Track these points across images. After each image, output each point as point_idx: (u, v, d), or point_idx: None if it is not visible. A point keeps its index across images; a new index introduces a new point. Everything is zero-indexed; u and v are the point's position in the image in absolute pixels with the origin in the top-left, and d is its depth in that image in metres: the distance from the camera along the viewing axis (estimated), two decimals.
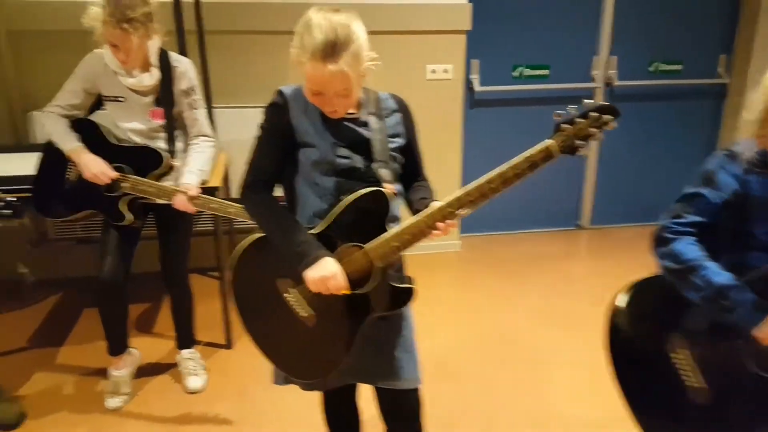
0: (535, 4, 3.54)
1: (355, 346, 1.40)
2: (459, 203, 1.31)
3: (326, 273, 1.31)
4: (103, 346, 2.30)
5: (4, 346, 2.60)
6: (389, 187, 1.36)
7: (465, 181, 3.58)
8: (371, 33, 1.31)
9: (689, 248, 1.33)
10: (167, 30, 2.09)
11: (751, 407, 1.34)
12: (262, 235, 1.41)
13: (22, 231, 3.01)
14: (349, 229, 1.36)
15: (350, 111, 1.39)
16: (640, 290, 1.51)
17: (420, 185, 1.51)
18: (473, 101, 3.65)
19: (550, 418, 2.21)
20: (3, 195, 1.79)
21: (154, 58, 2.06)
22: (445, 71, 3.38)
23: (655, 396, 1.46)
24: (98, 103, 2.18)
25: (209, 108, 2.72)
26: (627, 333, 1.53)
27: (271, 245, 1.39)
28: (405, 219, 1.37)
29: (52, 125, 2.09)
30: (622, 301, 1.52)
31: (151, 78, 2.06)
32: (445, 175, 3.40)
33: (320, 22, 1.23)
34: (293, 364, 1.48)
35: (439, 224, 1.31)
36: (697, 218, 1.35)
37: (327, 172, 1.37)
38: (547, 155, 1.26)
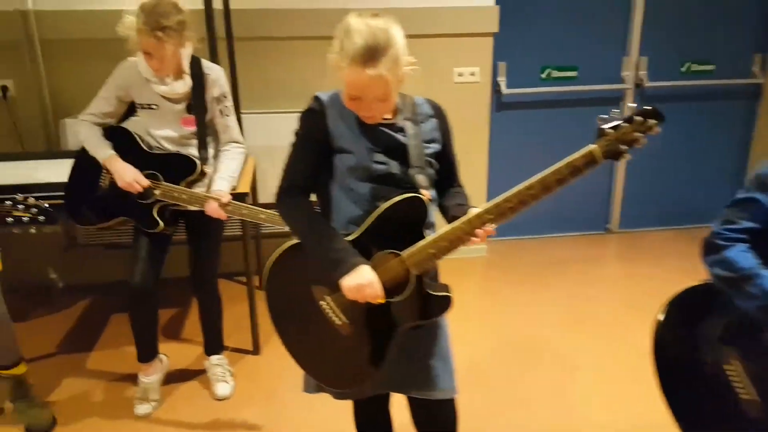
0: (563, 5, 3.49)
1: (390, 355, 1.38)
2: (498, 210, 1.28)
3: (362, 281, 1.29)
4: (131, 351, 2.31)
5: (34, 352, 2.62)
6: (426, 193, 1.34)
7: (491, 185, 3.56)
8: None
9: (743, 256, 1.28)
10: (199, 37, 2.10)
11: None
12: (297, 241, 1.39)
13: (52, 237, 3.04)
14: (384, 235, 1.34)
15: (386, 116, 1.38)
16: (688, 299, 1.45)
17: (455, 191, 1.49)
18: (500, 104, 3.61)
19: (581, 427, 2.17)
20: (37, 201, 1.80)
21: (186, 66, 2.06)
22: (472, 74, 3.35)
23: (706, 409, 1.40)
24: (130, 110, 2.19)
25: (237, 114, 2.73)
26: (674, 344, 1.47)
27: (306, 252, 1.37)
28: (439, 226, 1.35)
29: (86, 133, 2.10)
30: (669, 310, 1.47)
31: (183, 85, 2.07)
32: (471, 179, 3.32)
33: (360, 27, 1.22)
34: (327, 372, 1.46)
35: (478, 231, 1.29)
36: (751, 224, 1.30)
37: (363, 178, 1.35)
38: (590, 160, 1.23)
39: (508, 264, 3.60)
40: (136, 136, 2.14)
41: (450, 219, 1.36)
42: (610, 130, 1.22)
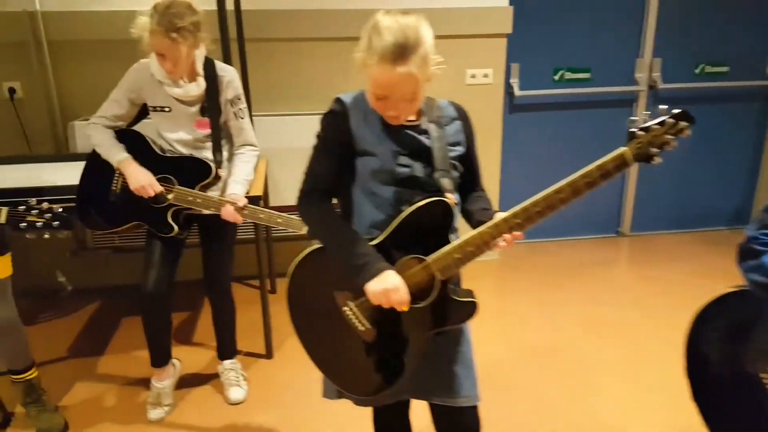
0: (577, 6, 3.47)
1: (416, 362, 1.35)
2: (526, 214, 1.25)
3: (389, 285, 1.26)
4: (142, 355, 2.29)
5: (45, 356, 2.60)
6: (451, 197, 1.31)
7: (503, 187, 3.52)
8: None
9: None
10: (212, 38, 2.07)
11: None
12: (318, 246, 1.37)
13: (61, 240, 3.02)
14: (408, 240, 1.31)
15: (410, 118, 1.35)
16: (722, 305, 1.42)
17: (478, 195, 1.46)
18: (512, 106, 3.58)
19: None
20: (51, 206, 1.78)
21: (200, 68, 2.04)
22: (485, 76, 3.32)
23: (742, 417, 1.37)
24: (142, 113, 2.17)
25: (249, 116, 2.71)
26: (708, 352, 1.44)
27: (329, 257, 1.34)
28: (462, 231, 1.32)
29: (98, 136, 2.08)
30: (702, 318, 1.43)
31: (197, 88, 2.04)
32: (483, 181, 3.33)
33: (390, 25, 1.20)
34: (349, 379, 1.43)
35: (506, 236, 1.26)
36: None
37: (386, 182, 1.33)
38: (621, 163, 1.20)
39: (520, 267, 3.57)
40: (148, 139, 2.12)
41: (475, 224, 1.34)
42: (641, 132, 1.20)
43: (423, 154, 1.34)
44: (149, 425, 2.21)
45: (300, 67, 3.12)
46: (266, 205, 2.78)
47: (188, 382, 2.45)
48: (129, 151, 2.07)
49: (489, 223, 1.27)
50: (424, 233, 1.30)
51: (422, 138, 1.35)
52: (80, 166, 2.18)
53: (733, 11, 3.61)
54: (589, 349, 2.67)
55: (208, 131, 2.09)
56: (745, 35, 3.67)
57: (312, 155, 1.38)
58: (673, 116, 1.18)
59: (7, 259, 1.96)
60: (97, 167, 2.12)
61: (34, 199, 1.77)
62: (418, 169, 1.34)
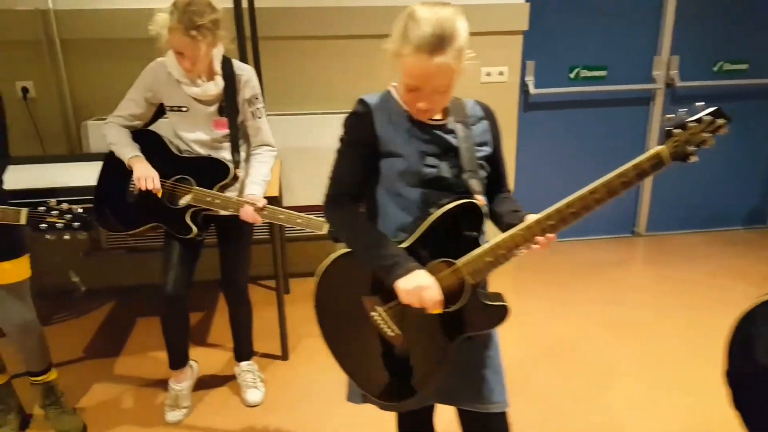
0: (593, 3, 3.42)
1: (447, 367, 1.32)
2: (559, 215, 1.23)
3: (422, 283, 1.23)
4: (159, 356, 2.28)
5: (61, 357, 2.58)
6: (480, 199, 1.29)
7: (518, 186, 3.49)
8: None
9: None
10: (231, 37, 2.05)
11: None
12: (345, 251, 1.34)
13: (75, 240, 3.01)
14: (436, 243, 1.28)
15: (436, 117, 1.32)
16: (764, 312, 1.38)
17: (504, 197, 1.43)
18: (527, 104, 3.55)
19: None
20: (71, 206, 1.76)
21: (218, 67, 2.01)
22: (501, 73, 3.29)
23: None
24: (159, 113, 2.14)
25: None
26: (757, 357, 1.40)
27: (357, 261, 1.32)
28: (489, 233, 1.29)
29: (113, 135, 2.06)
30: (749, 320, 1.39)
31: (216, 87, 2.01)
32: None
33: (427, 16, 1.19)
34: (377, 384, 1.40)
35: (539, 238, 1.23)
36: None
37: (413, 183, 1.30)
38: (657, 162, 1.17)
39: (536, 266, 3.53)
40: (165, 139, 2.09)
41: (505, 226, 1.31)
42: (678, 131, 1.16)
43: (450, 154, 1.31)
44: (167, 427, 2.19)
45: (314, 65, 3.08)
46: (280, 206, 2.75)
47: (205, 383, 2.44)
48: (146, 151, 2.04)
49: (521, 225, 1.24)
50: (453, 236, 1.28)
51: (449, 137, 1.32)
52: (94, 166, 2.16)
53: (753, 7, 3.55)
54: (604, 349, 2.66)
55: (226, 131, 2.06)
56: (765, 32, 3.61)
57: (336, 159, 1.35)
58: (711, 113, 1.16)
59: (25, 260, 1.95)
60: (114, 167, 2.09)
61: (53, 199, 1.75)
62: (445, 169, 1.31)
